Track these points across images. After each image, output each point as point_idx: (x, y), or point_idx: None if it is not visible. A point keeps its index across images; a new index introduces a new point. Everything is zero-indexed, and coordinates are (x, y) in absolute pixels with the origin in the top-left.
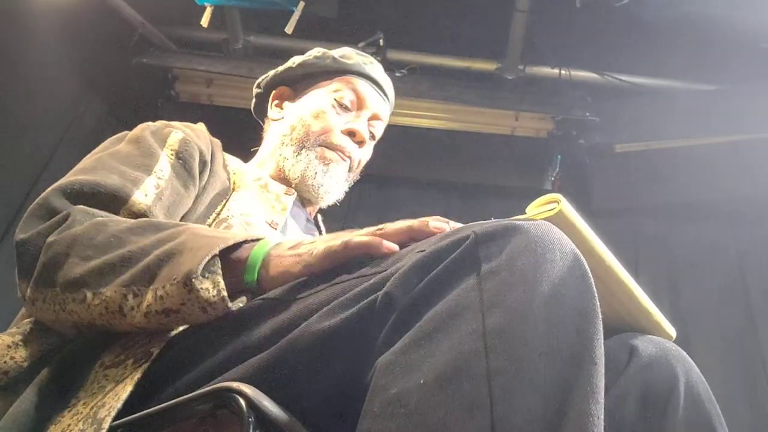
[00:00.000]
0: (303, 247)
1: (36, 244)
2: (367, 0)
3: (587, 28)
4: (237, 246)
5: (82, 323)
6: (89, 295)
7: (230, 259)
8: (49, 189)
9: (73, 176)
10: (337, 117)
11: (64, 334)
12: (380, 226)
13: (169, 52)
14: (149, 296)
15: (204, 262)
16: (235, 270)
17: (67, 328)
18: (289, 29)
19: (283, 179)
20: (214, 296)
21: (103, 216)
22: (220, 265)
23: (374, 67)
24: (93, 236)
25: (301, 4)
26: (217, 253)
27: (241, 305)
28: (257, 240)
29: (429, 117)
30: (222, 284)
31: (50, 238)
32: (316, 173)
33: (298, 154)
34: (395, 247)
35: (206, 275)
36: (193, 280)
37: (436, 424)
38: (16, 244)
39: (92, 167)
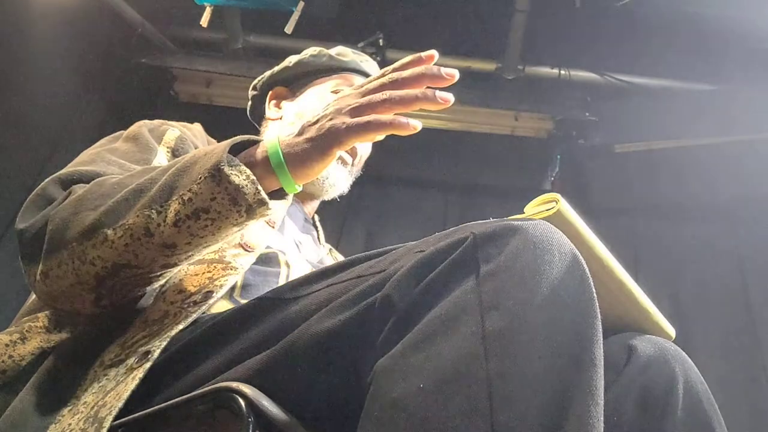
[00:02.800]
0: (306, 131)
1: (40, 224)
2: (367, 0)
3: (587, 28)
4: (243, 147)
5: (105, 269)
6: (110, 232)
7: (244, 156)
8: (47, 180)
9: (72, 168)
10: None
11: (80, 307)
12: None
13: (169, 52)
14: (175, 205)
15: (225, 155)
16: (257, 164)
17: (86, 290)
18: (288, 29)
19: None
20: (244, 180)
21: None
22: (238, 161)
23: (370, 65)
24: (95, 190)
25: (301, 4)
26: (230, 147)
27: (272, 202)
28: (251, 140)
29: (429, 117)
30: (249, 171)
31: (52, 211)
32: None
33: None
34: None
35: (231, 167)
36: (222, 167)
37: (435, 428)
38: (18, 234)
39: (91, 160)
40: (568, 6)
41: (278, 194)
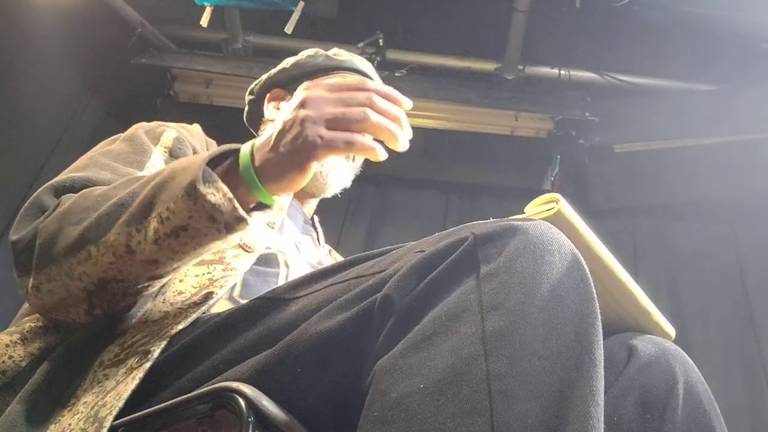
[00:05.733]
0: (281, 144)
1: (31, 236)
2: (367, 0)
3: (587, 28)
4: (220, 160)
5: (93, 284)
6: (93, 249)
7: (221, 170)
8: (41, 188)
9: (65, 175)
10: None
11: (75, 317)
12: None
13: (169, 52)
14: (154, 224)
15: (201, 171)
16: (232, 178)
17: (78, 302)
18: (288, 29)
19: None
20: (220, 199)
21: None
22: (216, 176)
23: (365, 64)
24: (80, 203)
25: (301, 4)
26: (208, 162)
27: (249, 217)
28: (231, 150)
29: (429, 117)
30: (225, 188)
31: (41, 225)
32: (323, 162)
33: None
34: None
35: (207, 184)
36: (198, 187)
37: (436, 428)
38: (11, 245)
39: (84, 165)
40: (568, 6)
41: (262, 203)
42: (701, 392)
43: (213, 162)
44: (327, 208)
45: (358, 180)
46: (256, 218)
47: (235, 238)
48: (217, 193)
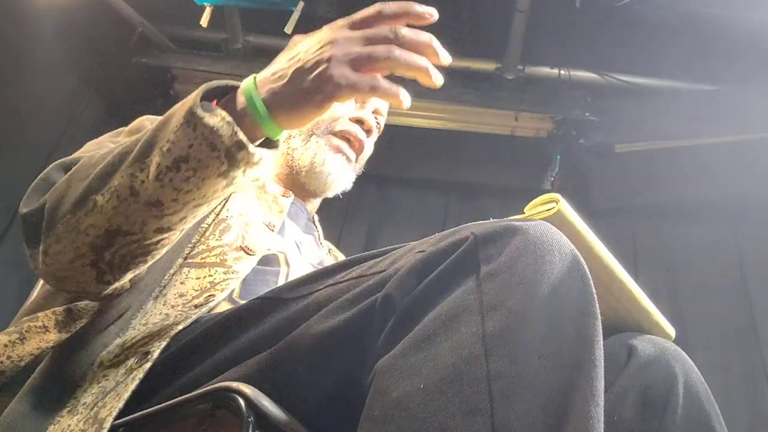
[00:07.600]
0: (298, 78)
1: (40, 205)
2: (367, 0)
3: (587, 28)
4: (220, 94)
5: (100, 236)
6: (99, 198)
7: (221, 103)
8: (51, 165)
9: (76, 155)
10: (342, 107)
11: (85, 286)
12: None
13: (169, 51)
14: (156, 159)
15: (199, 99)
16: (232, 111)
17: (86, 264)
18: (288, 29)
19: (286, 176)
20: (219, 122)
21: None
22: (214, 105)
23: None
24: (86, 163)
25: (301, 4)
26: (202, 94)
27: (252, 145)
28: (229, 86)
29: (429, 117)
30: (224, 112)
31: (49, 193)
32: (325, 159)
33: (307, 141)
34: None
35: (206, 110)
36: (195, 111)
37: (436, 428)
38: (21, 218)
39: (95, 148)
40: (568, 6)
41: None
42: (701, 392)
43: (210, 99)
44: (327, 207)
45: (358, 180)
46: (260, 153)
47: (238, 175)
48: (215, 117)
